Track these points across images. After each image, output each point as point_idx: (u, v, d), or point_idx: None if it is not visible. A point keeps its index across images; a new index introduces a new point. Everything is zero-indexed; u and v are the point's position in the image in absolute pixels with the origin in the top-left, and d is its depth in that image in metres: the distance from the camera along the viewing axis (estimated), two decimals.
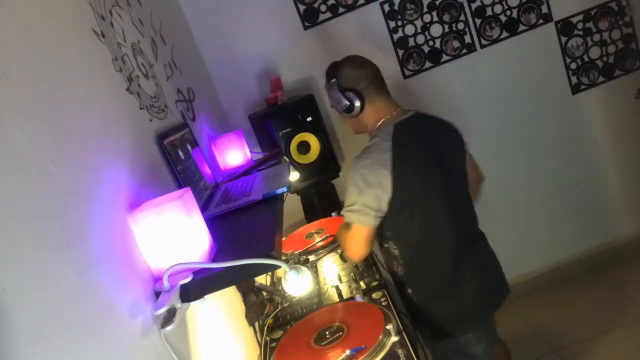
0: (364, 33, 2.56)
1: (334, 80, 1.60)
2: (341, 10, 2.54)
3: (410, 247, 1.56)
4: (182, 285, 0.91)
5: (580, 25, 2.65)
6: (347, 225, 1.53)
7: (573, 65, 2.70)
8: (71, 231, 0.76)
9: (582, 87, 2.73)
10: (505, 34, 2.63)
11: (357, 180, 1.48)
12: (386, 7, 2.56)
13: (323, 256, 1.90)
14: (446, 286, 1.56)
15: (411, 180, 1.48)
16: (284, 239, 2.15)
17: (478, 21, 2.61)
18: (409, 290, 1.61)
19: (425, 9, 2.58)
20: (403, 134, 1.52)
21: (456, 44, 2.63)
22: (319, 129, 2.37)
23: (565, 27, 2.65)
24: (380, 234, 1.58)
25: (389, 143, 1.49)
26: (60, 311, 0.68)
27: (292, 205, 2.53)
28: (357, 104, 1.57)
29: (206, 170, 1.56)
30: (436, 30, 2.61)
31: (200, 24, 2.50)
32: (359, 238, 1.51)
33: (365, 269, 1.69)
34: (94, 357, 0.72)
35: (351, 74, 1.59)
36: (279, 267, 0.94)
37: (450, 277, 1.55)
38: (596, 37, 2.67)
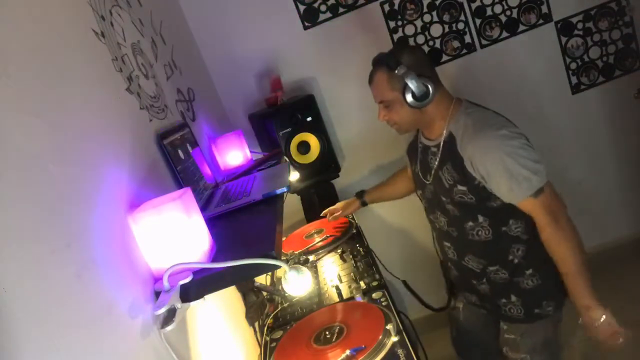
0: (364, 33, 2.56)
1: (401, 66, 1.46)
2: (341, 10, 2.54)
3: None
4: (182, 285, 0.91)
5: (580, 25, 2.65)
6: (538, 193, 1.42)
7: (573, 65, 2.70)
8: (71, 231, 0.76)
9: (582, 87, 2.73)
10: (505, 34, 2.63)
11: (519, 147, 1.42)
12: (386, 7, 2.56)
13: (323, 256, 1.90)
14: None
15: None
16: (284, 239, 2.15)
17: (478, 21, 2.61)
18: (529, 272, 1.56)
19: (425, 9, 2.58)
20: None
21: (456, 44, 2.63)
22: (319, 129, 2.37)
23: (565, 27, 2.65)
24: (499, 217, 1.52)
25: (499, 115, 1.52)
26: (61, 311, 0.68)
27: (292, 205, 2.53)
28: (432, 89, 1.48)
29: (206, 170, 1.55)
30: (436, 30, 2.61)
31: (200, 24, 2.50)
32: (555, 194, 1.47)
33: (365, 268, 1.69)
34: (94, 357, 0.72)
35: (415, 59, 1.50)
36: (279, 267, 0.94)
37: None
38: (596, 37, 2.67)
